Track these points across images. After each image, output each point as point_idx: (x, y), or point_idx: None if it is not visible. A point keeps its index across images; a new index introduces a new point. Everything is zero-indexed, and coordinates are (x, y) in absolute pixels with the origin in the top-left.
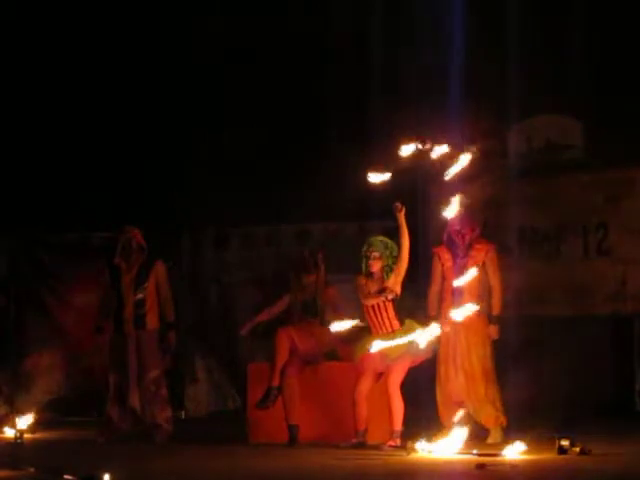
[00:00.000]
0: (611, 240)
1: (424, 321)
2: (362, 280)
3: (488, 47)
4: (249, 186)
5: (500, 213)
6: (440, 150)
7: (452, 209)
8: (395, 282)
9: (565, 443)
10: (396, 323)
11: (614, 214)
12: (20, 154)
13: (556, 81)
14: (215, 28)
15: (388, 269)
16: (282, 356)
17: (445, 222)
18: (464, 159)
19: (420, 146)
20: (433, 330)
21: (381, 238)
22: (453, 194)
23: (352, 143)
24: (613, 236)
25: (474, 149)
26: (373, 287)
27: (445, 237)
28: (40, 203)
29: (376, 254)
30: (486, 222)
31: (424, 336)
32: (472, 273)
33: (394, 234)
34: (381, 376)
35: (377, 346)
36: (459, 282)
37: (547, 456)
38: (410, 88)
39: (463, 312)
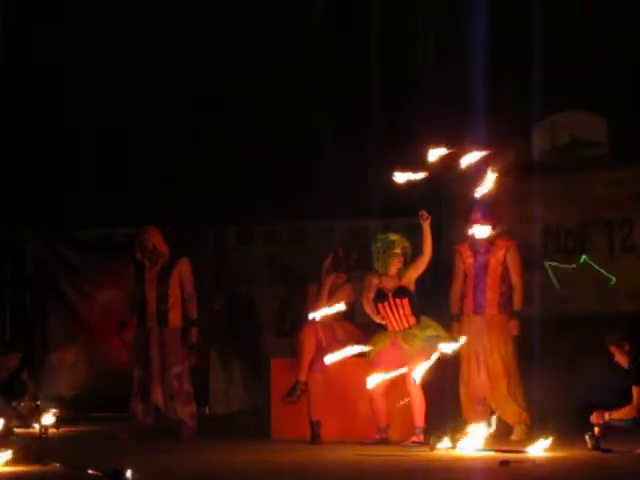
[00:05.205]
0: (636, 237)
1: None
2: (375, 279)
3: (512, 45)
4: (273, 183)
5: (524, 210)
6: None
7: (482, 231)
8: (410, 280)
9: (589, 439)
10: (412, 319)
11: (639, 211)
12: (45, 151)
13: (581, 78)
14: None
15: (403, 267)
16: (309, 351)
17: (468, 219)
18: (490, 178)
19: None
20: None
21: (396, 236)
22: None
23: (378, 142)
24: (638, 233)
25: (500, 167)
26: (389, 284)
27: (468, 233)
28: (64, 200)
29: (399, 251)
30: (509, 218)
31: (445, 346)
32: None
33: (418, 231)
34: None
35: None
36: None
37: (571, 453)
38: (436, 90)
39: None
